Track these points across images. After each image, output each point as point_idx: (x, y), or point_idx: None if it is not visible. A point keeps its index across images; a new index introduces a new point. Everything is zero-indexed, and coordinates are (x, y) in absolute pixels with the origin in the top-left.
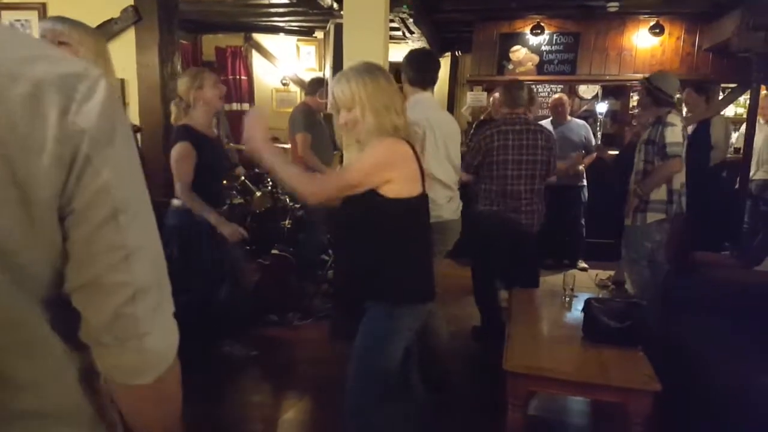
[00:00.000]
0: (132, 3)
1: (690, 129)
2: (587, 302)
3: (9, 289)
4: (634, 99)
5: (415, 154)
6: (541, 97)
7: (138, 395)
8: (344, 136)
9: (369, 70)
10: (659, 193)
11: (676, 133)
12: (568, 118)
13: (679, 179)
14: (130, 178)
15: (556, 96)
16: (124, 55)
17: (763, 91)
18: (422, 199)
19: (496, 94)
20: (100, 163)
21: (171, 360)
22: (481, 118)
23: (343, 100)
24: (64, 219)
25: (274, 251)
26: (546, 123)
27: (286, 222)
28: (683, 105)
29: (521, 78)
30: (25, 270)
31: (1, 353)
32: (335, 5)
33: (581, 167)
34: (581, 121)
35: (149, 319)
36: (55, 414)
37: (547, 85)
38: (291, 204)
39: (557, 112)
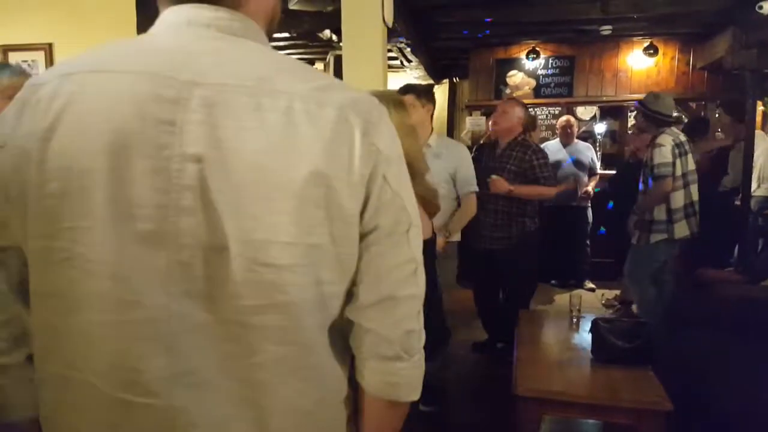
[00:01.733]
0: None
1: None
2: (594, 323)
3: (309, 309)
4: (632, 119)
5: None
6: (539, 119)
7: (398, 414)
8: None
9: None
10: (660, 214)
11: (663, 153)
12: (575, 139)
13: (680, 199)
14: (412, 196)
15: (564, 118)
16: None
17: (760, 107)
18: None
19: (519, 112)
20: (396, 183)
21: None
22: (481, 141)
23: None
24: (366, 235)
25: None
26: (553, 144)
27: None
28: (719, 128)
29: None
30: (325, 288)
31: (289, 378)
32: (334, 38)
33: (589, 188)
34: (586, 143)
35: (422, 334)
36: None
37: (545, 108)
38: None
39: (566, 133)
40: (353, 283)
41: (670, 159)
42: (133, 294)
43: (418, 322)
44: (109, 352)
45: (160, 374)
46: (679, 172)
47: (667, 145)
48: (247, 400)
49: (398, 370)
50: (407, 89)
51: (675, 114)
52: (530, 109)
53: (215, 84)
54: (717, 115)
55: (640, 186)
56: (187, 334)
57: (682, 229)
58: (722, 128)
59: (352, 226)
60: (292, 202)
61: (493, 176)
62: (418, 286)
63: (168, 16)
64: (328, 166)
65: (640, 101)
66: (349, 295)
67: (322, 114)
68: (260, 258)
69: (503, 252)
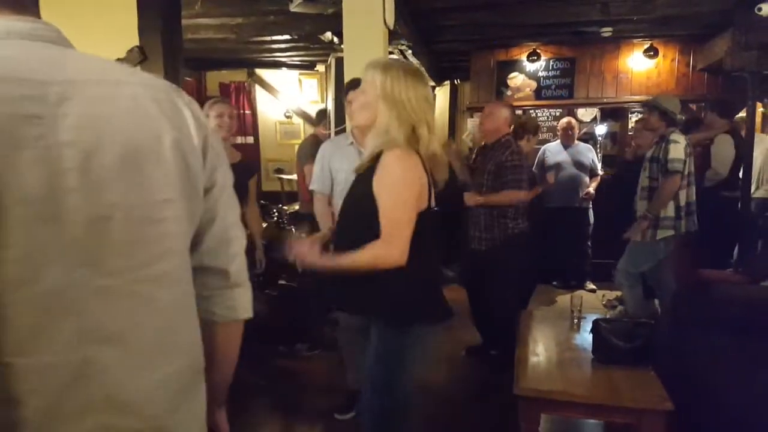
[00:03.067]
0: (137, 43)
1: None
2: (595, 323)
3: (185, 254)
4: (633, 120)
5: (423, 165)
6: (540, 121)
7: (239, 332)
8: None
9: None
10: (668, 210)
11: (678, 150)
12: (576, 141)
13: (685, 196)
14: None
15: (565, 119)
16: None
17: (760, 108)
18: (430, 214)
19: (505, 113)
20: (218, 148)
21: None
22: (482, 143)
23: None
24: (208, 190)
25: (281, 282)
26: (554, 145)
27: None
28: (705, 127)
29: (520, 104)
30: (188, 237)
31: (183, 318)
32: (335, 40)
33: (591, 190)
34: (587, 145)
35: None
36: (195, 370)
37: (545, 110)
38: (297, 234)
39: (567, 135)
40: (197, 232)
41: (683, 157)
42: (32, 272)
43: (243, 254)
44: (21, 327)
45: (70, 334)
46: (686, 171)
47: (681, 143)
48: (156, 345)
49: (238, 296)
50: None
51: (679, 116)
52: (531, 111)
53: (63, 81)
54: (708, 119)
55: (646, 182)
56: (91, 297)
57: (686, 225)
58: (714, 131)
59: (200, 182)
60: (163, 166)
61: (465, 194)
62: (241, 229)
63: None
64: (177, 135)
65: (652, 100)
66: (194, 243)
67: (159, 97)
68: (148, 215)
69: (487, 253)
